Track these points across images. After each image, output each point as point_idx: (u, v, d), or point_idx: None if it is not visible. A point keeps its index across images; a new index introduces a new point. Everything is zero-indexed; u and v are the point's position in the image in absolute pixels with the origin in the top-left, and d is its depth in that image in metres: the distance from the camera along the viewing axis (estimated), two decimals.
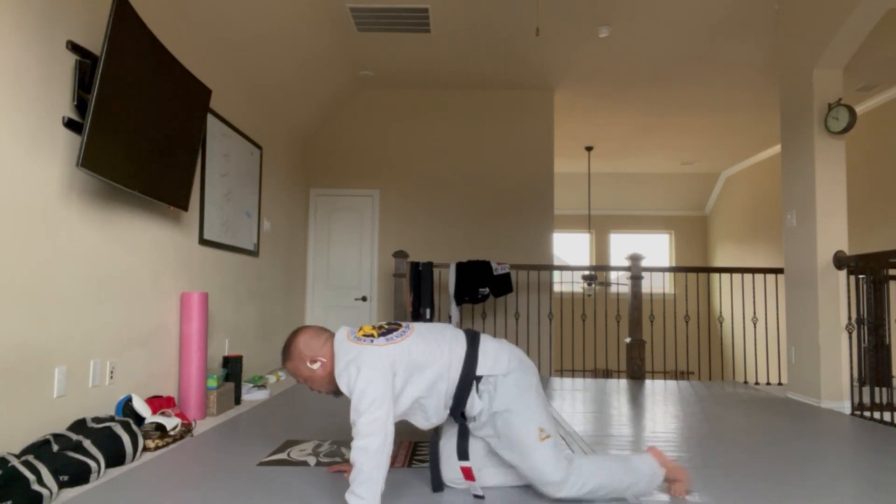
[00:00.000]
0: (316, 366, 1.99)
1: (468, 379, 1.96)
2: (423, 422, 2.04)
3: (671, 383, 5.02)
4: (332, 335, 2.05)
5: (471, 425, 2.03)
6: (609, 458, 2.03)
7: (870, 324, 3.81)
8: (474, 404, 1.97)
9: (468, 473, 2.02)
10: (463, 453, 2.02)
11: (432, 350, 1.96)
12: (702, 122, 7.33)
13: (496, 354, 2.00)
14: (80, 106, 2.58)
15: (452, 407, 1.99)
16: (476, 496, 2.02)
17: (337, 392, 2.04)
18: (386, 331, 2.00)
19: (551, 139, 6.42)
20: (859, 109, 6.35)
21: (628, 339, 5.37)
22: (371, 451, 1.76)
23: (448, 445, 2.10)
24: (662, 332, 8.98)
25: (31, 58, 2.35)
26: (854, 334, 3.87)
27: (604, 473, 1.93)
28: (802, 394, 4.21)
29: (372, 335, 1.97)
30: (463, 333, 2.06)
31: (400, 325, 2.05)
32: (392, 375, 1.88)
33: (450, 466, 2.09)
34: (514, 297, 6.20)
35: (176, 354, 3.49)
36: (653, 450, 2.10)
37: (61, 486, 2.08)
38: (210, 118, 3.94)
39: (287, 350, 2.03)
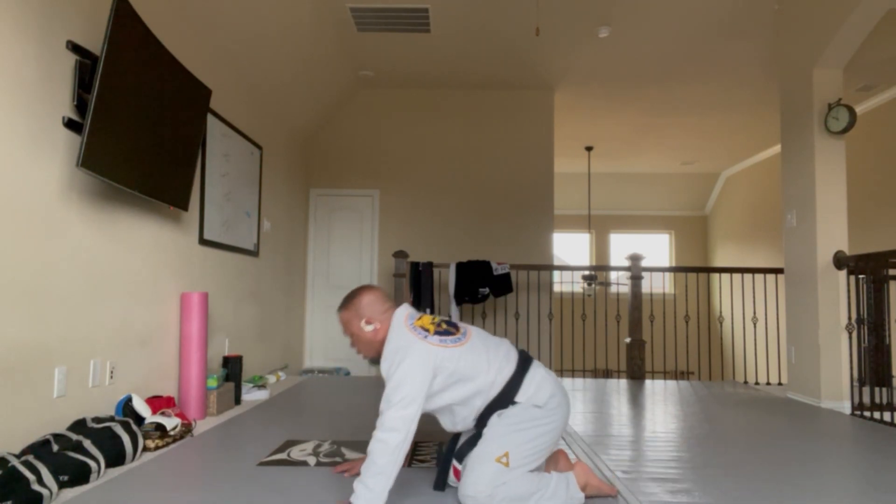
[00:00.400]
0: (369, 328, 2.00)
1: (504, 401, 1.94)
2: (449, 425, 2.03)
3: (671, 383, 5.02)
4: (393, 306, 2.05)
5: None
6: (533, 480, 1.90)
7: (870, 324, 3.81)
8: (493, 419, 1.97)
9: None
10: (462, 458, 2.02)
11: (481, 365, 1.93)
12: (702, 122, 7.33)
13: (539, 385, 1.97)
14: (80, 106, 2.58)
15: (478, 420, 1.98)
16: None
17: (374, 360, 2.02)
18: (443, 331, 1.97)
19: (551, 139, 6.42)
20: (859, 109, 6.35)
21: (628, 339, 5.37)
22: (390, 446, 1.76)
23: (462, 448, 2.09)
24: (662, 332, 8.98)
25: (31, 58, 2.35)
26: (854, 334, 3.87)
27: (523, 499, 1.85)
28: (802, 394, 4.21)
29: (428, 330, 1.94)
30: (516, 354, 2.03)
31: (458, 329, 2.01)
32: (432, 377, 1.86)
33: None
34: (514, 297, 6.20)
35: (176, 354, 3.49)
36: (579, 465, 2.04)
37: (61, 486, 2.08)
38: (210, 118, 3.94)
39: (349, 301, 2.03)
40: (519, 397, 1.95)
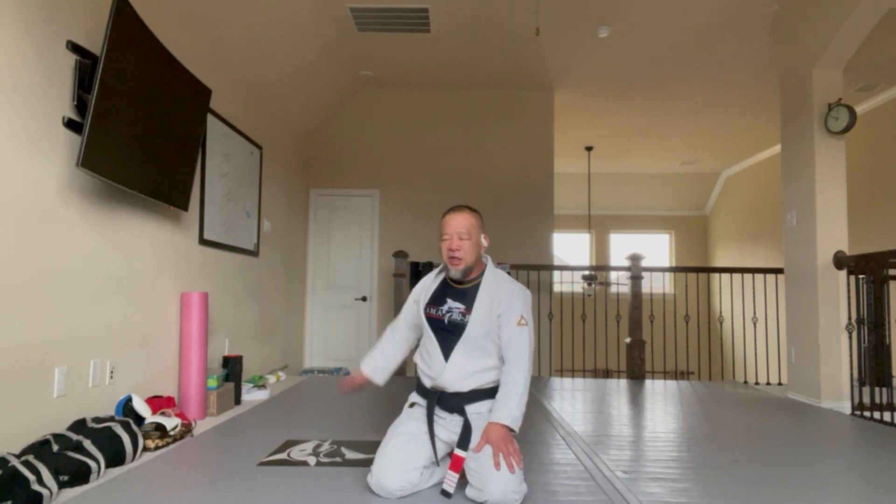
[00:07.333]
0: (485, 242, 2.22)
1: None
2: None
3: (671, 383, 5.02)
4: None
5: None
6: None
7: (870, 324, 3.81)
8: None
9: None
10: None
11: None
12: (702, 122, 7.33)
13: None
14: (80, 106, 2.58)
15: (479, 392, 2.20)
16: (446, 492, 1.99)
17: (459, 272, 2.15)
18: None
19: (551, 139, 6.42)
20: (859, 109, 6.34)
21: (628, 339, 5.37)
22: (525, 377, 2.04)
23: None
24: (662, 332, 8.98)
25: (31, 58, 2.35)
26: (854, 334, 3.87)
27: None
28: (802, 394, 4.20)
29: None
30: None
31: None
32: None
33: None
34: None
35: (176, 354, 3.49)
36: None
37: (61, 486, 2.08)
38: (210, 118, 3.93)
39: (474, 211, 2.25)
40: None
